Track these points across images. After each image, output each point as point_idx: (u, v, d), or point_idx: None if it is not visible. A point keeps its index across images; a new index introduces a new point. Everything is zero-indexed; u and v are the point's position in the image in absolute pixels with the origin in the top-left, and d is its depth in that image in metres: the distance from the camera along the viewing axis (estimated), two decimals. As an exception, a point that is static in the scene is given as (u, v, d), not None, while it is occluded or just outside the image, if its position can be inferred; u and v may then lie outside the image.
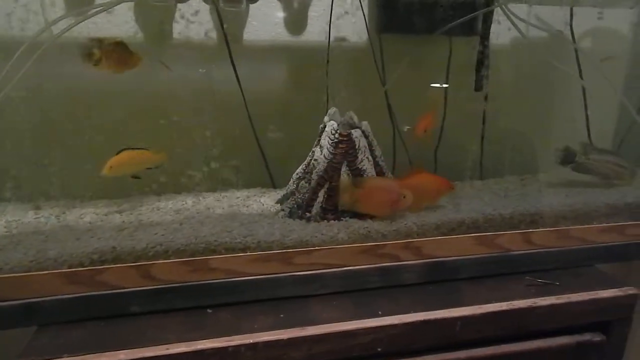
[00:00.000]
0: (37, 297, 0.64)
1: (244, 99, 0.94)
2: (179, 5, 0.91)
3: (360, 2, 0.93)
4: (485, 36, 0.94)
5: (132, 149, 0.82)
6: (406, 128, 0.98)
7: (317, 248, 0.74)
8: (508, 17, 0.92)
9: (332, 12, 0.92)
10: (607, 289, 0.79)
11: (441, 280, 0.80)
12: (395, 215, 0.81)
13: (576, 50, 1.00)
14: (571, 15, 0.99)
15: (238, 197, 0.92)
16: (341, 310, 0.70)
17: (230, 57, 0.92)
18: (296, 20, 0.99)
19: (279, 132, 0.94)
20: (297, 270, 0.73)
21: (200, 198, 0.90)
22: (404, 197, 0.80)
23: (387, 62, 0.98)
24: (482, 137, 1.04)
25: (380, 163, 0.86)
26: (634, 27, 1.04)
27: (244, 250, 0.72)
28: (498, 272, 0.82)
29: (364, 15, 0.94)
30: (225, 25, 0.91)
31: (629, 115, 1.01)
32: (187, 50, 0.93)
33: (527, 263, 0.84)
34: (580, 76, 1.02)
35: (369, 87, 0.99)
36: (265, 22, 0.98)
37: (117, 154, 0.80)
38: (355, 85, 0.96)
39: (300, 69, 1.00)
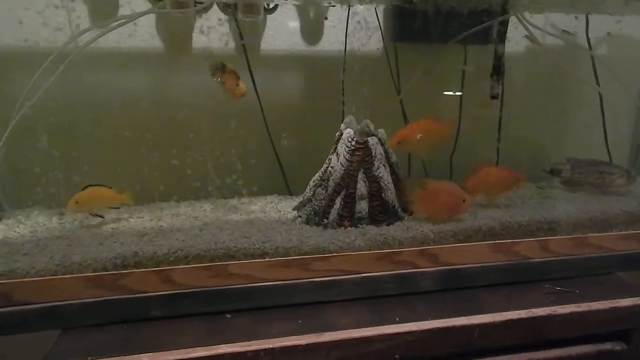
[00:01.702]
0: (62, 301, 0.66)
1: (261, 107, 0.96)
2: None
3: (376, 11, 0.94)
4: (500, 44, 0.94)
5: (96, 185, 0.81)
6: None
7: (334, 254, 0.75)
8: (524, 26, 0.92)
9: (348, 21, 0.93)
10: (627, 297, 0.78)
11: (458, 288, 0.80)
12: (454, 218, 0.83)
13: (592, 57, 1.00)
14: (587, 22, 0.99)
15: (256, 204, 0.93)
16: (358, 317, 0.70)
17: (249, 65, 0.94)
18: (312, 30, 1.01)
19: (296, 140, 0.96)
20: (315, 276, 0.73)
21: (219, 205, 0.92)
22: (464, 201, 0.82)
23: (402, 70, 0.99)
24: (498, 142, 1.03)
25: (397, 170, 0.86)
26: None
27: (262, 256, 0.73)
28: (516, 280, 0.82)
29: (379, 23, 0.95)
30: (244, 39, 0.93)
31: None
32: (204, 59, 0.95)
33: (546, 271, 0.83)
34: (597, 82, 1.01)
35: (384, 95, 1.00)
36: (282, 32, 1.00)
37: (83, 189, 0.80)
38: (371, 94, 0.97)
39: (316, 77, 1.01)
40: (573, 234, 0.84)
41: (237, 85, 0.81)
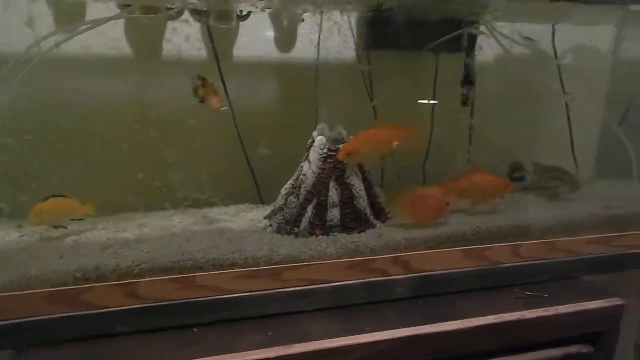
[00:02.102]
0: (19, 318, 0.63)
1: (233, 115, 0.94)
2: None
3: (349, 20, 0.95)
4: (470, 53, 0.96)
5: (59, 197, 0.78)
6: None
7: (305, 264, 0.74)
8: (493, 35, 0.94)
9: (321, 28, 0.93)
10: (594, 301, 0.80)
11: (431, 295, 0.80)
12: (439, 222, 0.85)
13: (559, 67, 1.03)
14: (553, 32, 1.02)
15: (226, 214, 0.91)
16: (330, 327, 0.69)
17: (220, 73, 0.93)
18: (286, 38, 1.00)
19: (269, 148, 0.95)
20: (286, 286, 0.72)
21: (189, 214, 0.90)
22: (448, 204, 0.84)
23: (375, 78, 0.99)
24: (470, 152, 1.05)
25: (369, 177, 0.86)
26: (617, 43, 1.07)
27: (232, 266, 0.71)
28: (488, 286, 0.83)
29: (352, 31, 0.95)
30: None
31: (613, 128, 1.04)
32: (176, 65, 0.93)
33: (516, 276, 0.84)
34: (563, 91, 1.04)
35: (359, 102, 1.00)
36: (255, 40, 0.99)
37: (44, 200, 0.77)
38: (345, 101, 0.97)
39: (290, 85, 1.00)
40: (543, 239, 0.86)
41: (215, 100, 0.80)
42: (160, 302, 0.67)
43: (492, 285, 0.83)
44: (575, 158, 1.08)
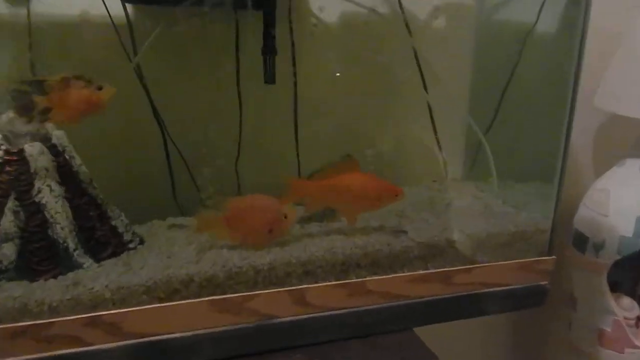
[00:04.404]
0: None
1: None
2: None
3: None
4: (270, 10, 0.68)
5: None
6: None
7: None
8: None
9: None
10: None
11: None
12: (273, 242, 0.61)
13: (415, 50, 0.75)
14: (400, 5, 0.73)
15: None
16: None
17: None
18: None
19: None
20: None
21: None
22: (285, 217, 0.61)
23: (146, 42, 0.70)
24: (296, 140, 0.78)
25: (92, 191, 0.59)
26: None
27: None
28: (255, 350, 0.57)
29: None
30: None
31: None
32: None
33: (301, 333, 0.59)
34: (420, 69, 0.77)
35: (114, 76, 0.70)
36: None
37: None
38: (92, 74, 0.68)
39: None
40: (343, 279, 0.60)
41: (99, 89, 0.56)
42: None
43: (260, 350, 0.57)
44: (441, 149, 0.81)
